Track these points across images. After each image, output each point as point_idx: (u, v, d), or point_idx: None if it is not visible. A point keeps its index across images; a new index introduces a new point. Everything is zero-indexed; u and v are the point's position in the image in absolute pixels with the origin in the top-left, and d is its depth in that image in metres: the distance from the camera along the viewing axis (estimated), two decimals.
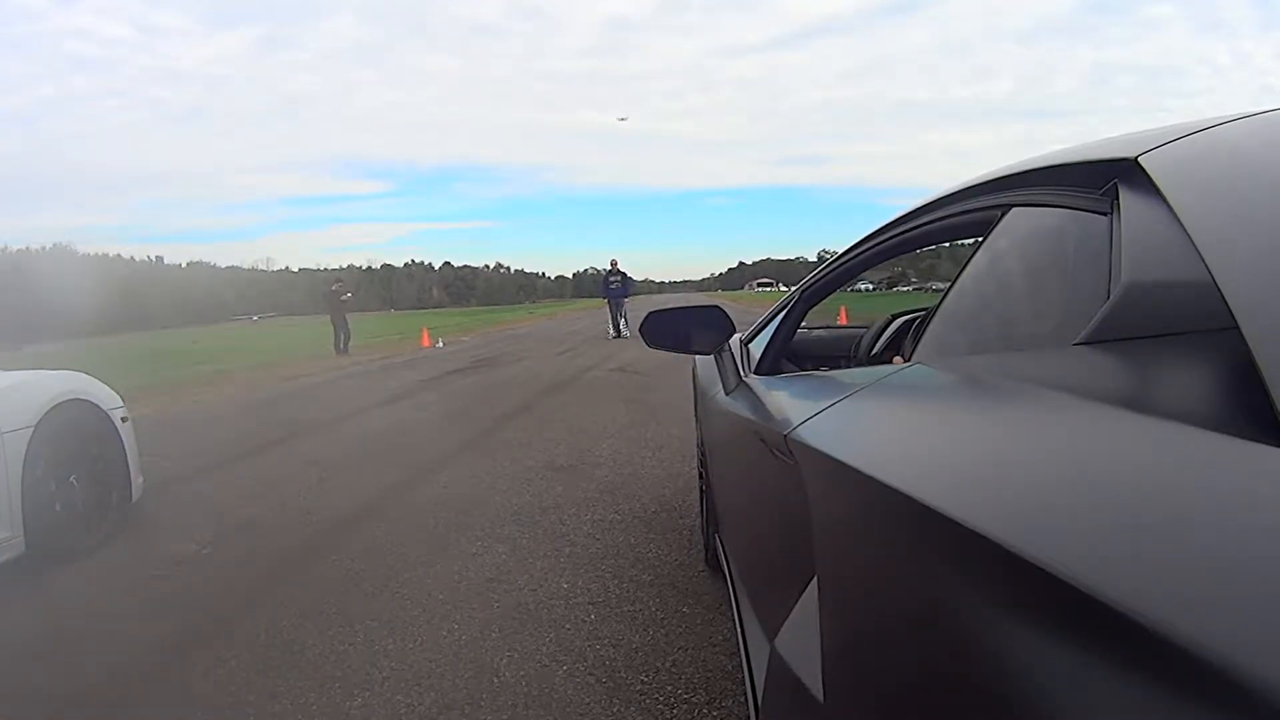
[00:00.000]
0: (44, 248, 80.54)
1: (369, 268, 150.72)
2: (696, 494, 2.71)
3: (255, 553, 2.74)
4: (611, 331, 13.61)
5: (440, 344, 14.66)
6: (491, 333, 20.05)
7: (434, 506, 3.21)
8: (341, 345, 12.99)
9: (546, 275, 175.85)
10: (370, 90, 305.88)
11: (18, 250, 75.92)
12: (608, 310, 14.21)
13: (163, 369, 12.54)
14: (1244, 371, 0.35)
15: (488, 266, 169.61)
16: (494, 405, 6.18)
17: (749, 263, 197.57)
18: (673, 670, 1.75)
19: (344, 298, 13.46)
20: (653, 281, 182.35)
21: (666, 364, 7.78)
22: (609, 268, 14.25)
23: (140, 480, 3.25)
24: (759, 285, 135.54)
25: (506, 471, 3.78)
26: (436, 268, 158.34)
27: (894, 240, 1.18)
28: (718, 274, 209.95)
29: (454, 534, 2.82)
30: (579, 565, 2.44)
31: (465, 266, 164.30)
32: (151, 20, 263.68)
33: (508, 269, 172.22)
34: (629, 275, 14.58)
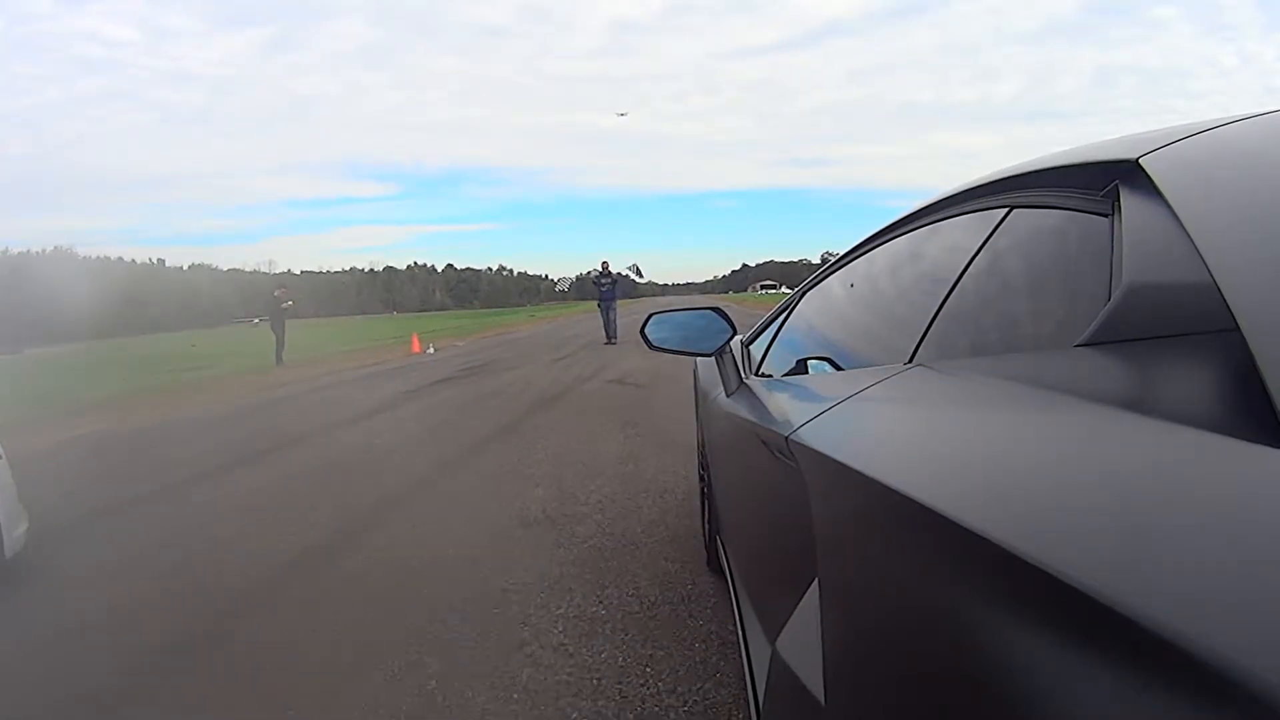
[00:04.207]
0: (44, 250, 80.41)
1: (371, 270, 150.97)
2: (715, 568, 2.30)
3: (128, 640, 2.07)
4: (605, 338, 12.84)
5: (432, 349, 13.93)
6: (488, 337, 19.07)
7: (355, 586, 2.41)
8: (279, 356, 12.33)
9: (550, 278, 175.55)
10: (376, 92, 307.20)
11: (18, 253, 75.76)
12: (599, 315, 13.36)
13: (137, 376, 12.12)
14: (1245, 373, 0.36)
15: (491, 269, 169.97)
16: (473, 425, 5.32)
17: (752, 264, 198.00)
18: None
19: (285, 305, 12.81)
20: (655, 284, 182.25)
21: (668, 376, 7.07)
22: (600, 270, 13.42)
23: (22, 530, 2.61)
24: (762, 287, 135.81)
25: (463, 528, 2.93)
26: (440, 270, 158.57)
27: (896, 240, 1.17)
28: (721, 276, 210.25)
29: (372, 635, 2.03)
30: (537, 706, 1.63)
31: (468, 269, 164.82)
32: (157, 22, 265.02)
33: (511, 271, 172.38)
34: (627, 276, 13.91)
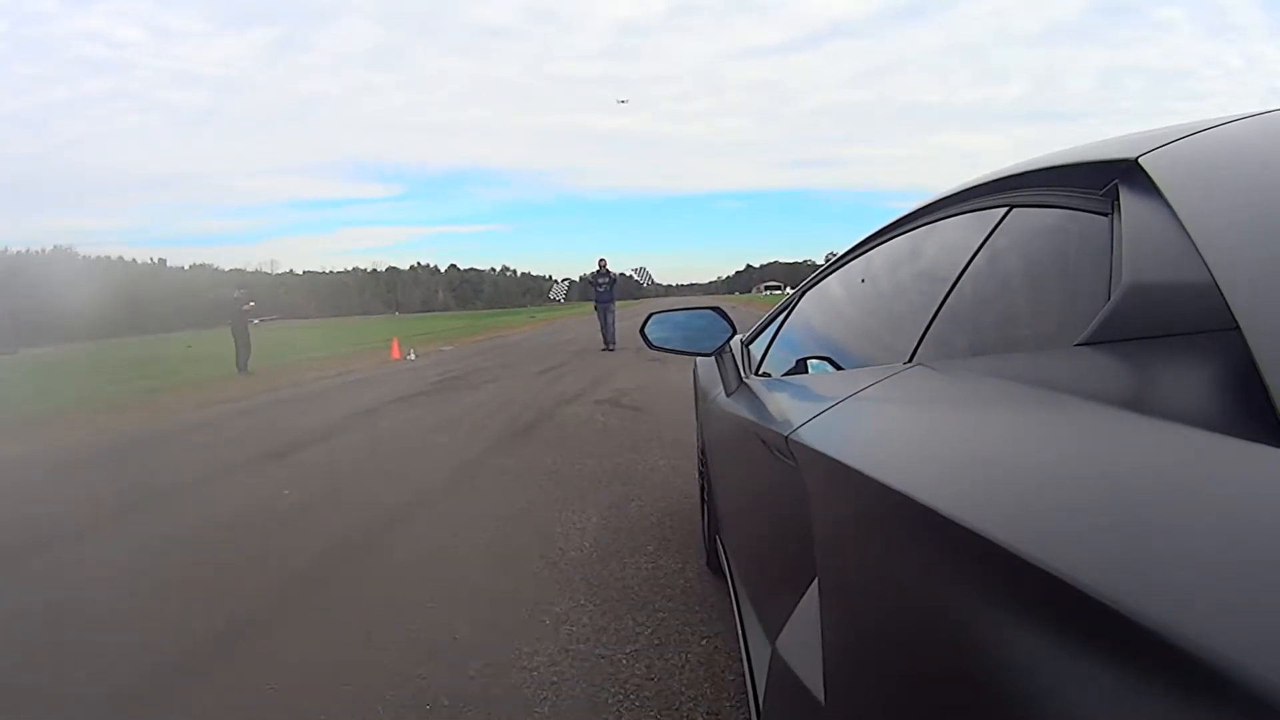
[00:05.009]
0: (43, 250, 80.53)
1: (374, 270, 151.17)
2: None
3: None
4: (603, 344, 11.68)
5: (412, 355, 12.81)
6: (479, 341, 17.69)
7: None
8: (242, 363, 11.28)
9: (554, 278, 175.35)
10: (381, 93, 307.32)
11: (16, 252, 75.85)
12: (597, 318, 12.02)
13: (96, 384, 11.18)
14: (1245, 372, 0.36)
15: (494, 269, 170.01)
16: (407, 476, 3.90)
17: (756, 265, 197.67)
18: None
19: (246, 306, 11.71)
20: (660, 284, 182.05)
21: (671, 391, 5.95)
22: (597, 269, 12.07)
23: None
24: (766, 288, 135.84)
25: None
26: (443, 271, 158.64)
27: (896, 240, 1.17)
28: (725, 276, 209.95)
29: None
30: None
31: (472, 269, 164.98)
32: (163, 23, 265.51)
33: (514, 272, 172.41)
34: (631, 277, 13.64)
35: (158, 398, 8.90)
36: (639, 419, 5.20)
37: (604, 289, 11.82)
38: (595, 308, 12.09)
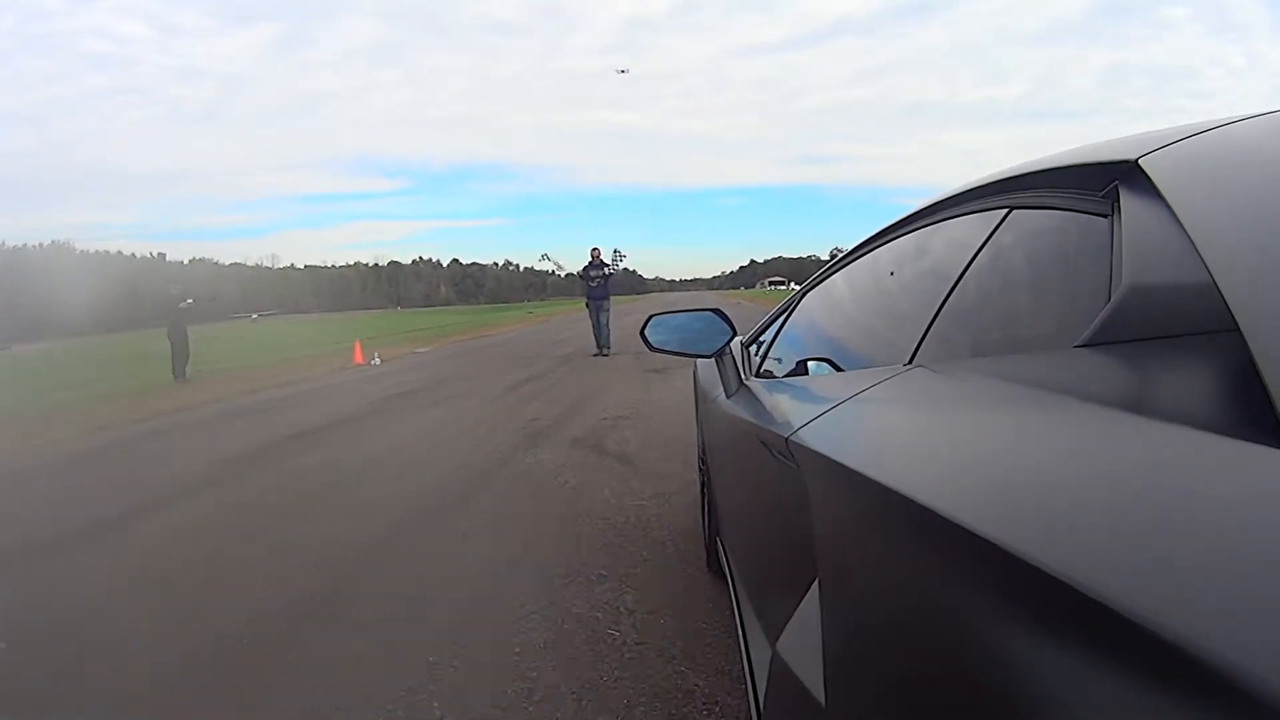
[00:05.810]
0: (40, 245, 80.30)
1: (376, 265, 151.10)
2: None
3: None
4: (595, 347, 10.42)
5: (376, 360, 11.30)
6: (462, 341, 16.23)
7: None
8: (179, 370, 9.92)
9: (556, 273, 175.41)
10: (386, 89, 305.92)
11: (13, 247, 75.52)
12: (589, 317, 10.66)
13: (21, 392, 9.99)
14: (1245, 373, 0.36)
15: (496, 264, 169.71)
16: (216, 600, 2.31)
17: (760, 261, 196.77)
18: None
19: (183, 304, 10.32)
20: (663, 280, 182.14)
21: (677, 429, 4.37)
22: (589, 260, 10.58)
23: None
24: (771, 283, 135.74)
25: None
26: (445, 265, 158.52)
27: (896, 241, 1.17)
28: (729, 272, 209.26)
29: None
30: None
31: (474, 264, 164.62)
32: (167, 18, 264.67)
33: (517, 266, 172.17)
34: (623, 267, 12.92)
35: (61, 414, 7.47)
36: (629, 482, 3.44)
37: (597, 283, 10.37)
38: (586, 305, 10.60)
